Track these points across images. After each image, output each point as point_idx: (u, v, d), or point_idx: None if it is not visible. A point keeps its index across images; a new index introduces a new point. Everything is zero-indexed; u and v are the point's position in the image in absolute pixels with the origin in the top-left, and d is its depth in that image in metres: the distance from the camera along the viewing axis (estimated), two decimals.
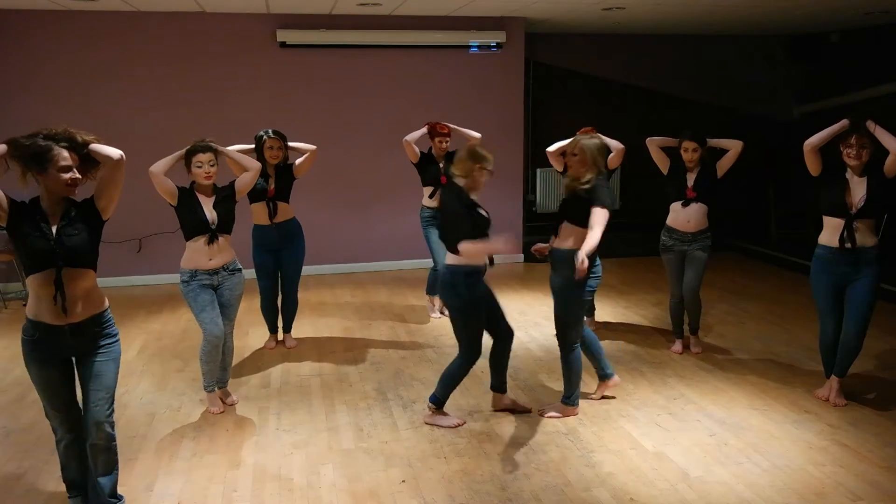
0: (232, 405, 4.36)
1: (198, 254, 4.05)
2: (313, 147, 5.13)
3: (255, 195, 4.97)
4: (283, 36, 7.25)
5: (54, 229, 2.84)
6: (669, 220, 5.02)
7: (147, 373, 4.95)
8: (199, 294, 4.06)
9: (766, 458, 3.65)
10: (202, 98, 7.25)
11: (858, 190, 4.04)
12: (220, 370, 4.28)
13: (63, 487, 3.44)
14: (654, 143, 5.04)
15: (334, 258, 7.78)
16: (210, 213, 4.07)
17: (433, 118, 6.15)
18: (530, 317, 6.14)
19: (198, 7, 6.81)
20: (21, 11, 6.76)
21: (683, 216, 4.92)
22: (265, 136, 4.97)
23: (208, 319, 4.06)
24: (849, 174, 4.10)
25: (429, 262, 6.02)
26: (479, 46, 7.75)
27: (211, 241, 4.05)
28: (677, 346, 5.22)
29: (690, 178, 4.91)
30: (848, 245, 4.04)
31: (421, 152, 5.76)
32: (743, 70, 9.73)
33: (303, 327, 5.83)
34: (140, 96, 7.14)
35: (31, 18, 6.80)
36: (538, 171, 9.20)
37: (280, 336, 5.48)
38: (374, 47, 7.50)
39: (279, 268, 5.21)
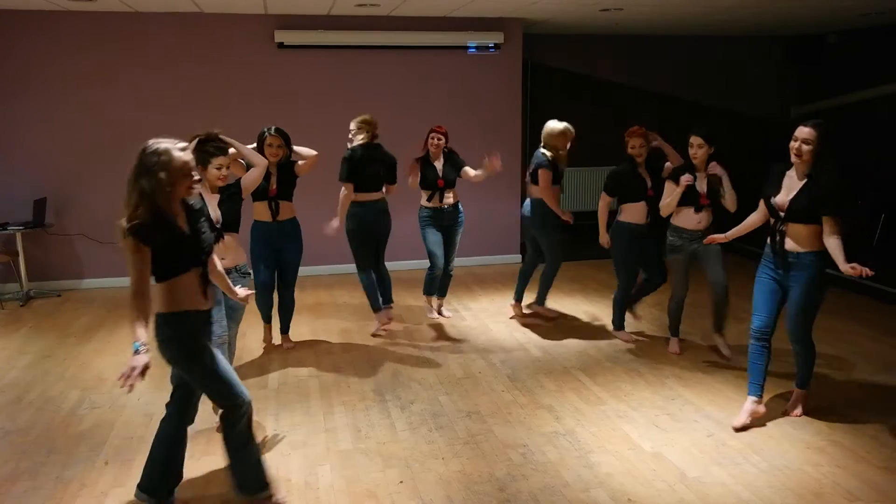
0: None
1: None
2: (314, 153, 5.08)
3: (257, 194, 4.96)
4: (281, 37, 7.25)
5: (187, 228, 3.02)
6: (677, 221, 4.87)
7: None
8: None
9: (764, 458, 3.66)
10: (200, 98, 7.25)
11: (791, 191, 3.83)
12: None
13: (61, 490, 3.44)
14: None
15: (332, 259, 7.77)
16: (214, 212, 4.02)
17: (431, 119, 6.16)
18: (529, 317, 6.14)
19: (195, 7, 6.81)
20: (20, 12, 6.75)
21: (695, 217, 4.80)
22: (267, 133, 4.93)
23: (215, 318, 4.02)
24: (789, 174, 3.88)
25: (426, 263, 6.01)
26: (476, 47, 7.75)
27: (216, 241, 4.02)
28: (674, 346, 5.21)
29: (702, 184, 4.75)
30: (779, 249, 3.88)
31: (417, 158, 5.78)
32: (741, 71, 9.76)
33: (301, 328, 5.83)
34: (138, 97, 7.14)
35: (31, 19, 6.79)
36: None
37: (277, 340, 5.47)
38: (372, 48, 7.50)
39: (277, 265, 5.19)
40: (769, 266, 4.00)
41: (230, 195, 4.11)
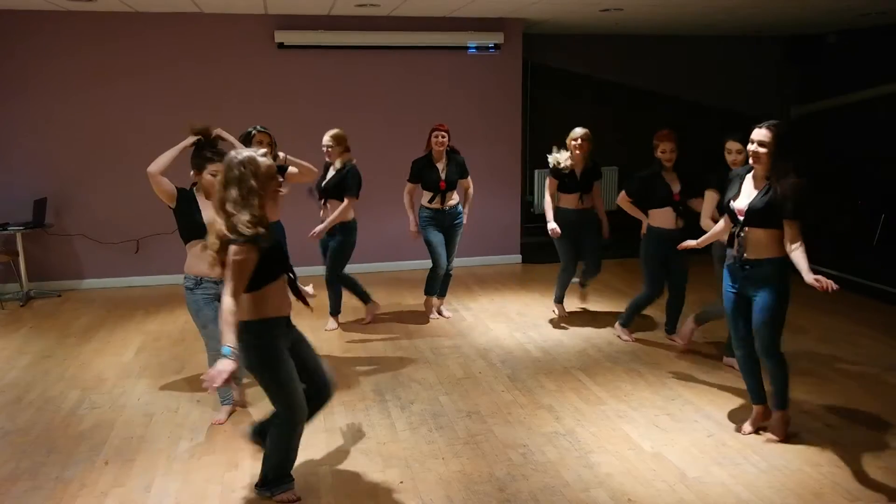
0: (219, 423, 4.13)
1: (199, 259, 3.87)
2: (314, 170, 4.95)
3: None
4: (281, 37, 7.25)
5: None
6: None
7: (145, 374, 4.94)
8: (201, 308, 3.93)
9: (764, 458, 3.65)
10: (199, 99, 7.25)
11: (751, 195, 3.69)
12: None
13: (61, 490, 3.45)
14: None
15: None
16: (209, 217, 3.87)
17: (430, 119, 6.15)
18: (528, 318, 6.14)
19: (195, 8, 6.81)
20: (20, 12, 6.75)
21: None
22: (254, 131, 4.79)
23: (212, 334, 3.93)
24: (749, 178, 3.74)
25: (427, 263, 6.01)
26: (476, 47, 7.75)
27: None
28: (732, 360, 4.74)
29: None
30: (736, 254, 3.73)
31: (418, 159, 5.77)
32: (740, 71, 9.75)
33: (300, 328, 5.80)
34: (137, 97, 7.14)
35: (31, 19, 6.79)
36: (536, 171, 9.20)
37: None
38: (372, 48, 7.50)
39: None
40: (730, 276, 3.84)
41: None
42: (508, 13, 7.43)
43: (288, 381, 3.12)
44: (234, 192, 2.88)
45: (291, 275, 3.16)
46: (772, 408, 3.89)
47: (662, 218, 5.10)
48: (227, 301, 2.85)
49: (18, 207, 6.89)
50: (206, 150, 3.90)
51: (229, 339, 2.81)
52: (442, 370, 4.95)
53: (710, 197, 4.57)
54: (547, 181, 5.81)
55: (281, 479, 3.34)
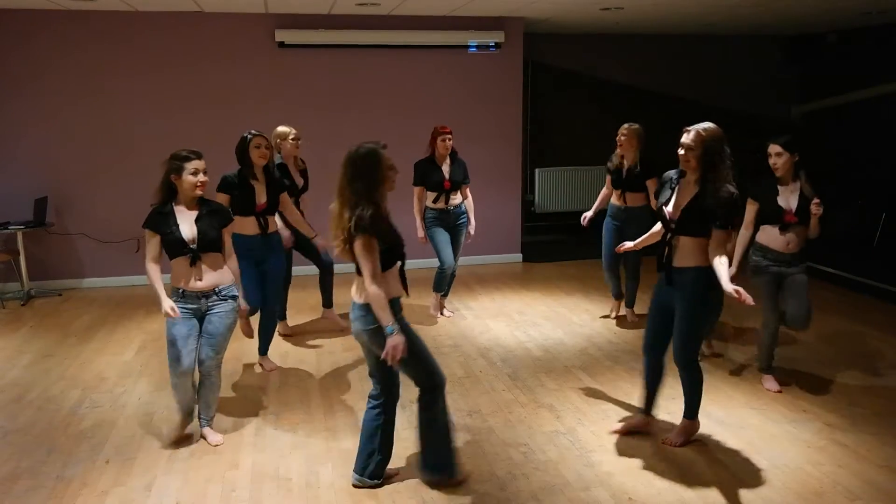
0: (216, 445, 3.87)
1: (183, 274, 3.66)
2: (308, 228, 4.92)
3: (244, 208, 4.53)
4: (282, 36, 7.25)
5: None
6: (763, 239, 4.37)
7: (145, 373, 4.94)
8: (175, 323, 3.66)
9: (765, 457, 3.65)
10: (200, 98, 7.25)
11: (682, 201, 3.53)
12: (203, 406, 3.88)
13: (62, 489, 3.44)
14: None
15: (335, 258, 7.76)
16: (190, 230, 3.62)
17: (431, 119, 6.16)
18: (529, 317, 6.14)
19: (196, 7, 6.81)
20: (21, 11, 6.75)
21: (783, 239, 4.27)
22: (250, 136, 4.54)
23: (173, 354, 3.68)
24: (684, 182, 3.57)
25: (432, 262, 6.01)
26: (477, 46, 7.75)
27: (193, 262, 3.63)
28: (771, 383, 4.52)
29: (788, 199, 4.25)
30: (663, 261, 3.60)
31: (420, 161, 5.76)
32: (741, 70, 9.75)
33: (302, 326, 5.82)
34: (138, 96, 7.13)
35: (31, 18, 6.79)
36: (537, 171, 9.21)
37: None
38: (373, 47, 7.50)
39: (260, 279, 4.73)
40: (659, 285, 3.72)
41: (212, 212, 3.72)
42: (509, 12, 7.43)
43: (422, 348, 3.25)
44: (359, 185, 3.04)
45: (402, 263, 3.26)
46: (683, 416, 3.80)
47: None
48: (372, 289, 3.03)
49: (19, 206, 6.89)
50: (182, 151, 3.62)
51: (387, 319, 3.04)
52: (443, 369, 4.92)
53: (750, 208, 4.37)
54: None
55: (448, 463, 3.38)
